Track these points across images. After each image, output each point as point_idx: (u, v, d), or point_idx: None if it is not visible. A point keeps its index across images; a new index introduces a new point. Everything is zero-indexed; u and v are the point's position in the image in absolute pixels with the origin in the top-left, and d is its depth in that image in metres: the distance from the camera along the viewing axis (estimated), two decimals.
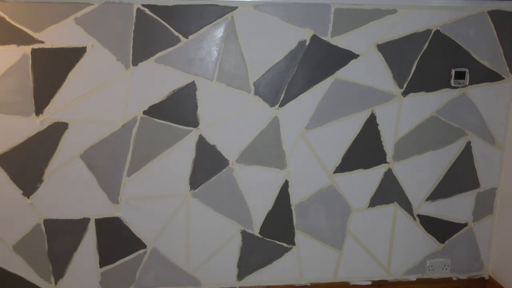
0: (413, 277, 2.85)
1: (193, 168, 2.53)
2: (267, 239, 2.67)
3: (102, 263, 2.58)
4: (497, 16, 2.56)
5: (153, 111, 2.44)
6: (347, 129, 2.59)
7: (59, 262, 2.55)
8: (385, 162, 2.66)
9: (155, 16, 2.34)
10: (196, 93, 2.45)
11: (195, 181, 2.54)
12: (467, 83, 2.62)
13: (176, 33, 2.37)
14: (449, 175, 2.73)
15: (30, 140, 2.38)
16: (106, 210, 2.51)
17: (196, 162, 2.52)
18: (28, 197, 2.45)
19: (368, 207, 2.71)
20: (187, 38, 2.38)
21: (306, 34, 2.45)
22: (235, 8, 2.37)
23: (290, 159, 2.58)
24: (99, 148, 2.44)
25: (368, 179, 2.67)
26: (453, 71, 2.59)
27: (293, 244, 2.70)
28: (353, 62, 2.52)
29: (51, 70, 2.30)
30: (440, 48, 2.56)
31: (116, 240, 2.55)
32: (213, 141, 2.51)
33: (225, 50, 2.42)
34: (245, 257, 2.68)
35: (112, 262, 2.58)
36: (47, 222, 2.49)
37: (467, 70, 2.60)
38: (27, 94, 2.34)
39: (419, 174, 2.70)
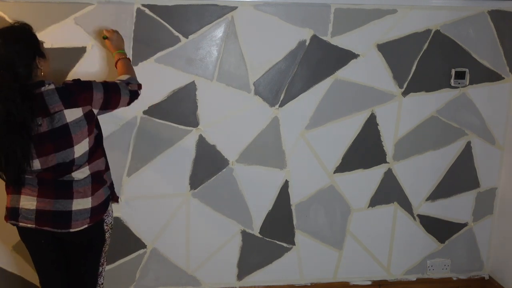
0: (413, 277, 2.85)
1: (193, 168, 2.52)
2: (267, 239, 2.67)
3: None
4: (497, 16, 2.56)
5: (153, 111, 2.43)
6: (347, 129, 2.59)
7: None
8: (385, 162, 2.66)
9: (155, 16, 2.33)
10: (196, 93, 2.45)
11: (195, 181, 2.54)
12: (467, 83, 2.62)
13: (176, 33, 2.37)
14: (449, 175, 2.73)
15: None
16: None
17: (196, 162, 2.52)
18: None
19: (368, 207, 2.71)
20: (187, 38, 2.38)
21: (306, 34, 2.45)
22: (235, 8, 2.37)
23: (290, 159, 2.58)
24: None
25: (368, 179, 2.67)
26: (453, 71, 2.59)
27: (293, 244, 2.69)
28: (353, 62, 2.52)
29: (51, 70, 2.29)
30: (440, 48, 2.56)
31: (116, 240, 2.55)
32: (213, 141, 2.51)
33: (225, 50, 2.42)
34: (245, 257, 2.67)
35: (112, 262, 2.58)
36: None
37: (467, 70, 2.60)
38: None
39: (419, 174, 2.70)
